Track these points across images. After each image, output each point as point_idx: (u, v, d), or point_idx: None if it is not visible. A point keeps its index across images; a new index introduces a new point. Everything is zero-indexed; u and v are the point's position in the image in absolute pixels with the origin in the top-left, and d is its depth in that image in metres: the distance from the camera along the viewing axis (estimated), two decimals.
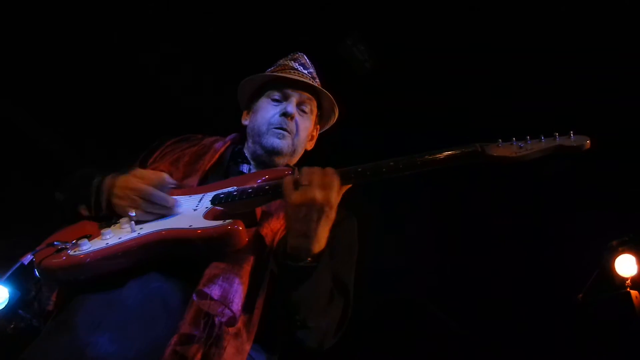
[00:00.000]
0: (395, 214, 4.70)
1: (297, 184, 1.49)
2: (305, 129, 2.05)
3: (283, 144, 1.95)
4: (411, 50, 4.02)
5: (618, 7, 3.51)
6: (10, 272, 1.55)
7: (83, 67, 4.13)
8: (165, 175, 1.68)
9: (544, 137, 1.46)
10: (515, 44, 3.81)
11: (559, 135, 1.45)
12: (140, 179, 1.63)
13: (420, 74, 4.06)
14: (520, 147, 1.46)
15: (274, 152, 1.95)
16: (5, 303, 4.86)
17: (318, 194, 1.45)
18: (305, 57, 2.16)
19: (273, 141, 1.95)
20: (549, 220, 4.66)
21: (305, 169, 1.52)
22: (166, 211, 1.61)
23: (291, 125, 1.98)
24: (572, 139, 1.43)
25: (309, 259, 1.51)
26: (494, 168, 1.52)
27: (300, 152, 2.08)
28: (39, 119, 4.51)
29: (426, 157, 1.52)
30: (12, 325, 4.86)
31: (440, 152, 1.51)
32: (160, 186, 1.63)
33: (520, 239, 4.77)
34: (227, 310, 1.41)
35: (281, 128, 1.96)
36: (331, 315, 1.65)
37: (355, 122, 2.31)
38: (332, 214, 1.50)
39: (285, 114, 1.96)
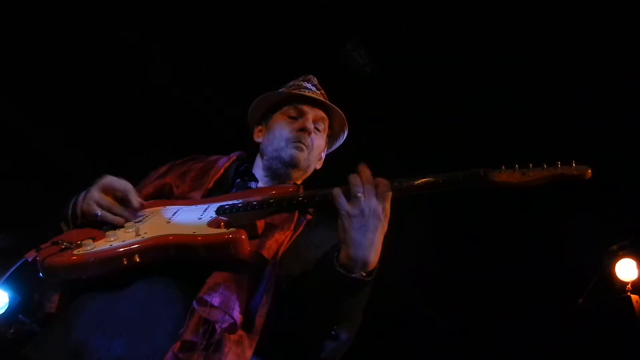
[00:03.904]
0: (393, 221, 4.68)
1: (348, 194, 1.48)
2: (319, 147, 2.09)
3: (301, 156, 1.99)
4: (412, 56, 3.99)
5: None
6: (13, 268, 1.52)
7: (90, 74, 4.11)
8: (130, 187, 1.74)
9: (547, 165, 1.49)
10: (517, 49, 3.79)
11: (560, 164, 1.49)
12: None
13: (421, 82, 4.04)
14: (523, 175, 1.49)
15: (292, 163, 1.98)
16: (5, 307, 4.86)
17: (374, 203, 1.45)
18: (316, 79, 2.20)
19: (292, 152, 1.98)
20: (549, 225, 4.66)
21: (353, 178, 1.50)
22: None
23: (308, 140, 2.02)
24: (574, 168, 1.48)
25: (363, 272, 1.47)
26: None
27: (310, 170, 2.11)
28: (46, 127, 4.51)
29: (429, 179, 1.53)
30: (12, 330, 4.86)
31: (443, 175, 1.52)
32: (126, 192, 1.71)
33: (520, 244, 4.77)
34: (227, 317, 1.42)
35: (299, 141, 1.99)
36: (353, 333, 1.63)
37: (354, 138, 2.30)
38: (386, 223, 1.49)
39: (303, 129, 2.01)
